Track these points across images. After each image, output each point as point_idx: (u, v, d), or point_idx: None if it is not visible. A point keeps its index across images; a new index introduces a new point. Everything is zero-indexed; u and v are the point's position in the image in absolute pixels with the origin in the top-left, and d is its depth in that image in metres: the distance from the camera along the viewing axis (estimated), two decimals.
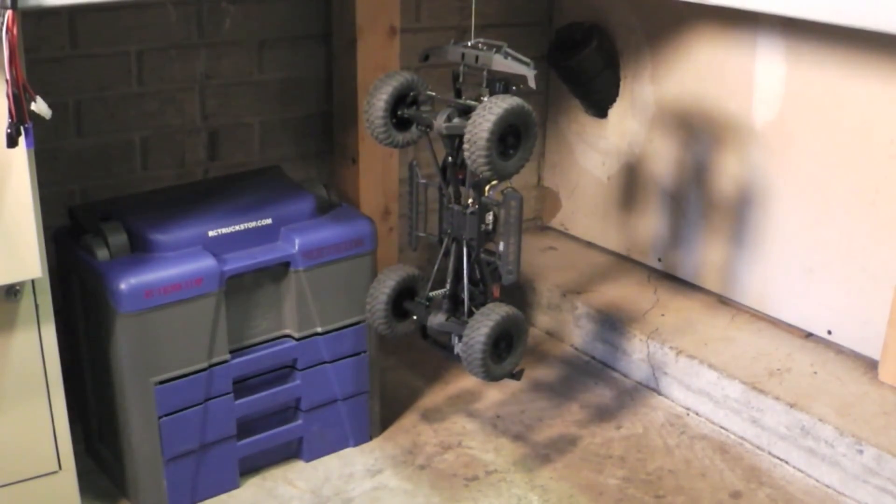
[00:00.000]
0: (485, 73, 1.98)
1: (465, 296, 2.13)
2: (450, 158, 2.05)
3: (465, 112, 1.97)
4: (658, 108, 2.93)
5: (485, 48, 1.97)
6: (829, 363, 2.53)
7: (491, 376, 2.06)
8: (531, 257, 3.16)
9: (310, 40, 2.79)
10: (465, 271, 2.12)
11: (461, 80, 2.03)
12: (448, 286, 2.15)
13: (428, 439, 2.48)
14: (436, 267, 2.14)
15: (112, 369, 2.07)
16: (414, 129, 2.06)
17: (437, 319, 2.15)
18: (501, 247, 2.04)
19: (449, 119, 1.98)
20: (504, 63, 1.95)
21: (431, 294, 2.17)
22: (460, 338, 2.09)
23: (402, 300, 2.18)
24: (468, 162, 1.88)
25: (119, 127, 2.57)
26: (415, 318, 2.19)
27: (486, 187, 2.06)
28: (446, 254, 2.13)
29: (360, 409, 2.40)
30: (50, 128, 1.90)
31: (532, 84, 1.92)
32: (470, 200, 2.07)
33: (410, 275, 2.18)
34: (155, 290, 2.01)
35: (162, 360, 2.07)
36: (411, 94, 2.04)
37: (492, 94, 1.97)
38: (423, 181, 2.14)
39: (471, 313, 2.09)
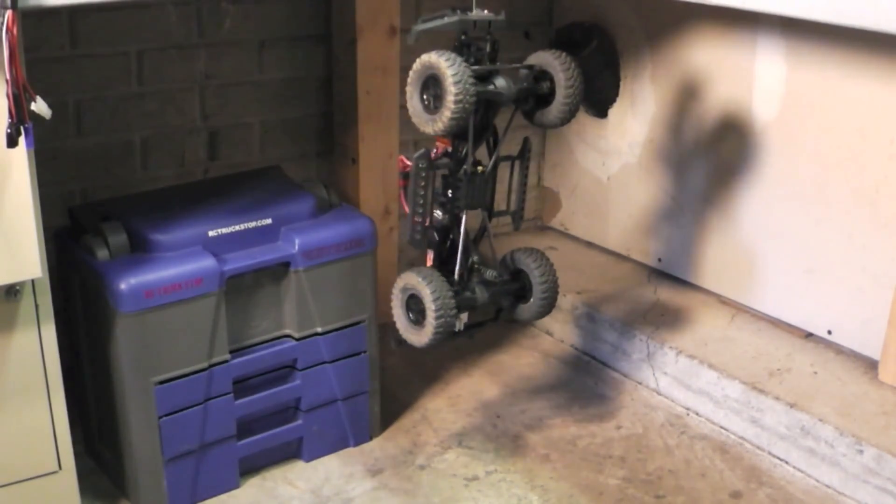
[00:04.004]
0: (489, 36, 1.98)
1: (493, 255, 2.15)
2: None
3: (487, 76, 1.97)
4: (658, 108, 2.93)
5: (488, 12, 1.98)
6: (829, 363, 2.53)
7: None
8: None
9: (310, 40, 2.79)
10: (489, 234, 2.13)
11: (471, 48, 2.00)
12: (464, 260, 2.11)
13: (428, 439, 2.48)
14: (460, 247, 2.08)
15: (112, 369, 2.07)
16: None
17: (483, 294, 2.11)
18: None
19: (507, 84, 1.99)
20: (503, 25, 2.01)
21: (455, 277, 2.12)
22: (469, 309, 2.11)
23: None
24: (565, 114, 1.99)
25: (119, 127, 2.57)
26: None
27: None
28: (456, 228, 2.10)
29: (360, 409, 2.40)
30: (50, 128, 1.90)
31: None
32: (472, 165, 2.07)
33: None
34: (155, 290, 2.01)
35: (162, 360, 2.07)
36: None
37: (495, 55, 2.00)
38: (430, 168, 2.06)
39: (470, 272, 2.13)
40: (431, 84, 1.91)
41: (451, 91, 1.85)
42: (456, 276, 2.10)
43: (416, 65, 1.92)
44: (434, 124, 1.91)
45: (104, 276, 2.01)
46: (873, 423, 2.27)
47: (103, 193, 2.52)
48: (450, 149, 2.04)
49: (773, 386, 2.44)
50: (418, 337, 2.06)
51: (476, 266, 2.15)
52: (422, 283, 2.00)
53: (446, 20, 1.95)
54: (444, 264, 2.12)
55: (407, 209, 2.10)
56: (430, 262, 2.12)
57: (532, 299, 2.17)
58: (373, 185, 2.82)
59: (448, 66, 1.85)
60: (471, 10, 1.97)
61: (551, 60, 2.00)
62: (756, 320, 2.75)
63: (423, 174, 2.01)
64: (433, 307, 1.99)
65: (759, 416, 2.42)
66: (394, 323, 2.13)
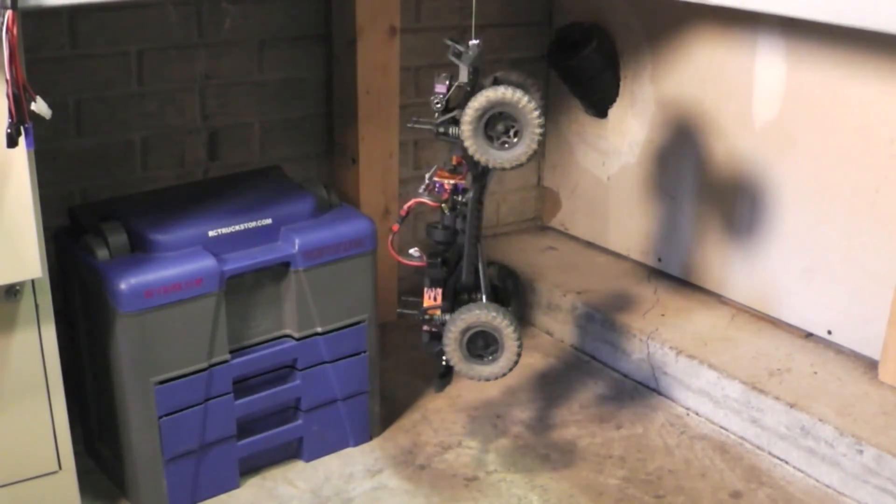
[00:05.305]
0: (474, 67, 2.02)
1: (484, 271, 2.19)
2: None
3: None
4: (658, 108, 2.93)
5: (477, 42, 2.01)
6: (829, 363, 2.53)
7: None
8: (531, 257, 3.16)
9: (310, 40, 2.79)
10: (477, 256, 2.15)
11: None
12: (486, 286, 2.15)
13: (428, 439, 2.48)
14: (482, 271, 2.11)
15: (112, 369, 2.07)
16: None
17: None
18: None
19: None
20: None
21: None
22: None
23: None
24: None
25: (119, 127, 2.57)
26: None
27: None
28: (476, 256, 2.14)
29: (360, 409, 2.40)
30: (50, 128, 1.90)
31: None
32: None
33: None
34: (155, 290, 2.01)
35: (162, 360, 2.07)
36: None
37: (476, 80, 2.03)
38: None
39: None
40: (497, 119, 1.92)
41: (538, 123, 1.90)
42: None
43: (481, 101, 1.90)
44: (517, 156, 1.93)
45: (104, 276, 2.01)
46: (873, 423, 2.27)
47: (103, 193, 2.52)
48: (463, 181, 2.06)
49: (773, 386, 2.44)
50: (491, 369, 2.10)
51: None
52: (497, 318, 2.05)
53: (471, 53, 1.96)
54: (452, 295, 2.15)
55: (397, 256, 2.14)
56: (434, 300, 2.13)
57: (511, 305, 2.24)
58: (373, 185, 2.82)
59: (528, 101, 1.89)
60: (464, 41, 1.98)
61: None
62: (756, 320, 2.75)
63: (474, 214, 2.08)
64: (514, 336, 2.05)
65: (759, 416, 2.42)
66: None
